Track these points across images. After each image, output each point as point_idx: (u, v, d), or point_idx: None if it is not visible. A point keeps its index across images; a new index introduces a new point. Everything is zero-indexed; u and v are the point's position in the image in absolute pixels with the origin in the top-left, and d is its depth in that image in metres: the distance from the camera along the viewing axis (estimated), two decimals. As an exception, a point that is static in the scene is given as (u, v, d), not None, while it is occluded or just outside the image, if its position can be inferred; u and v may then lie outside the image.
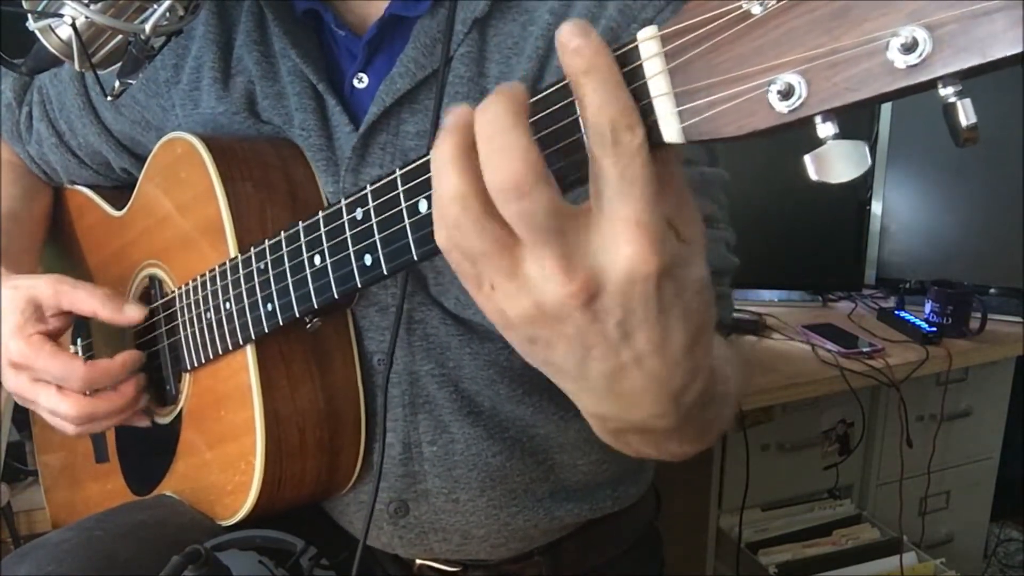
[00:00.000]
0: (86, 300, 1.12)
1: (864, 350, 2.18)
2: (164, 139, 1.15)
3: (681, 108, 0.54)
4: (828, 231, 2.47)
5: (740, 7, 0.50)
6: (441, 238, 0.59)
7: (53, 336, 1.13)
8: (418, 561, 1.22)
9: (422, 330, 1.09)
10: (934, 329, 2.29)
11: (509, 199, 0.54)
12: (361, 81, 1.09)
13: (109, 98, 0.94)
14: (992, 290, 2.53)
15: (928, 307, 2.35)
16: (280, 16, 1.10)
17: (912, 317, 2.37)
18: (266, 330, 1.01)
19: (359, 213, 0.83)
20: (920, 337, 2.27)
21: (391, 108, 1.04)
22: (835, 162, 0.49)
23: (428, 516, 1.15)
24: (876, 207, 2.49)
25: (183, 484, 1.19)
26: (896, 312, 2.43)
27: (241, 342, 1.04)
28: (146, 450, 1.26)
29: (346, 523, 1.22)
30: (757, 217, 2.21)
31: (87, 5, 0.83)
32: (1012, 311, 2.45)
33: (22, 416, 1.55)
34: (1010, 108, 2.26)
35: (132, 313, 1.13)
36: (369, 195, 0.80)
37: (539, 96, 0.61)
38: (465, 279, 0.61)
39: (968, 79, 0.44)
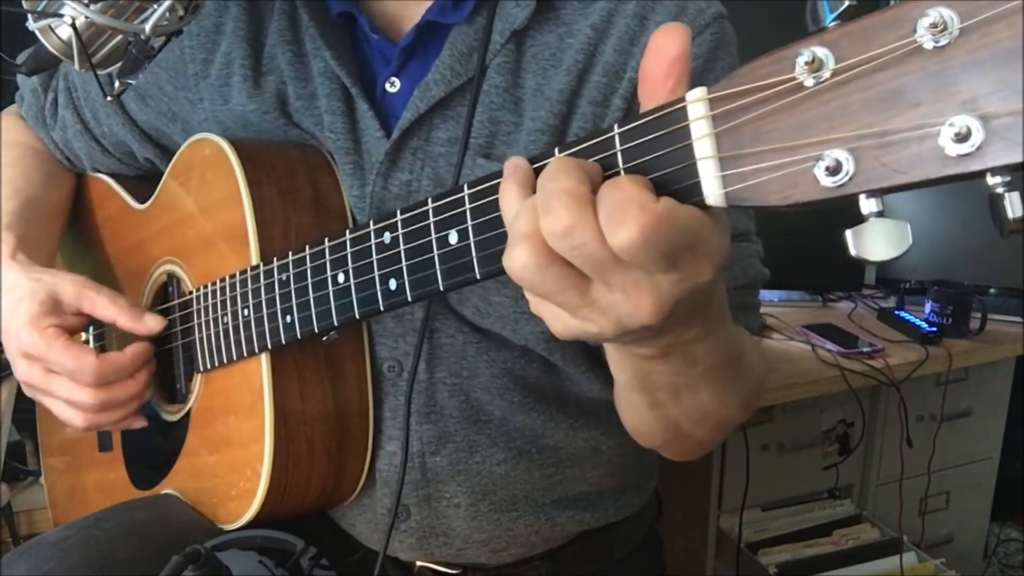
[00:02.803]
0: (108, 307, 1.13)
1: (864, 350, 2.17)
2: (192, 139, 1.15)
3: (725, 173, 0.54)
4: (828, 231, 2.44)
5: (793, 78, 0.50)
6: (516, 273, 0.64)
7: (68, 332, 1.13)
8: (418, 563, 1.21)
9: (438, 338, 1.09)
10: (934, 329, 2.28)
11: (558, 239, 0.58)
12: (393, 85, 1.09)
13: (109, 98, 0.94)
14: (992, 290, 2.53)
15: (928, 307, 2.34)
16: (315, 17, 1.09)
17: (912, 317, 2.36)
18: (283, 341, 1.01)
19: (387, 237, 0.83)
20: (920, 337, 2.26)
21: (424, 115, 1.04)
22: (876, 240, 0.49)
23: (429, 521, 1.15)
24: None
25: (186, 484, 1.20)
26: (896, 312, 2.42)
27: (256, 350, 1.05)
28: (151, 444, 1.26)
29: (347, 525, 1.22)
30: (757, 217, 2.18)
31: (87, 5, 0.83)
32: (1012, 311, 2.44)
33: (22, 416, 1.54)
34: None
35: (151, 323, 1.14)
36: (399, 221, 0.81)
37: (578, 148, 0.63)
38: (536, 309, 0.67)
39: (1018, 172, 0.44)
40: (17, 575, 1.01)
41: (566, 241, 0.58)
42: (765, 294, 2.54)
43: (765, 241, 1.08)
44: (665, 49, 0.59)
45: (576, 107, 1.02)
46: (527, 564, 1.21)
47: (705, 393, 0.84)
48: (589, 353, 1.11)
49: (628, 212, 0.56)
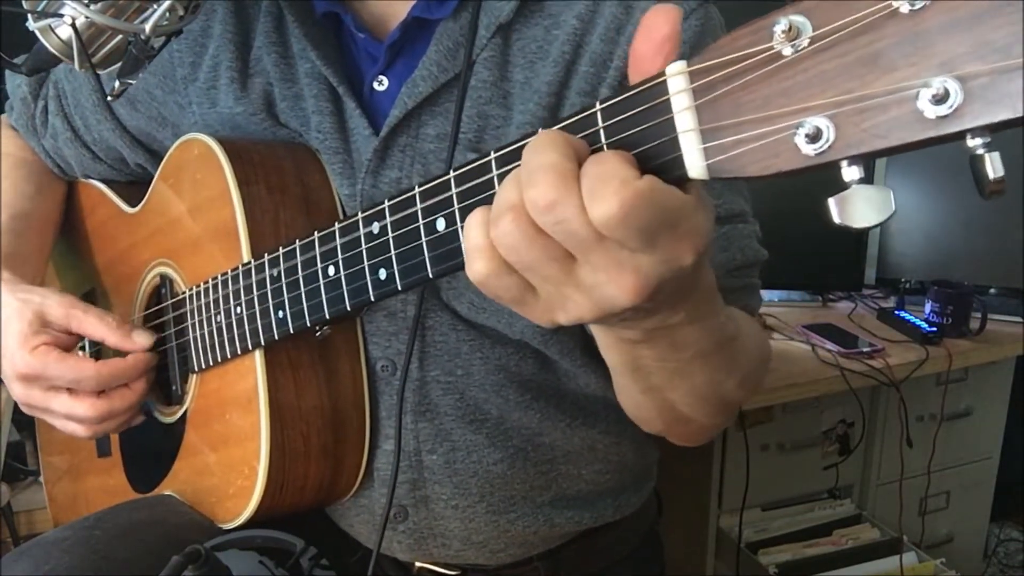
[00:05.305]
0: (96, 326, 1.13)
1: (864, 350, 2.17)
2: (181, 139, 1.15)
3: (707, 145, 0.54)
4: (828, 231, 2.45)
5: (771, 48, 0.50)
6: (483, 263, 0.63)
7: (60, 347, 1.12)
8: (417, 564, 1.21)
9: (431, 336, 1.09)
10: (934, 329, 2.28)
11: (540, 213, 0.58)
12: (381, 84, 1.08)
13: (109, 98, 0.94)
14: (992, 290, 2.54)
15: (928, 307, 2.34)
16: (300, 18, 1.09)
17: (912, 317, 2.36)
18: (276, 337, 1.01)
19: (375, 227, 0.83)
20: (920, 337, 2.26)
21: (412, 111, 1.04)
22: (859, 207, 0.49)
23: (427, 522, 1.15)
24: (877, 206, 2.47)
25: (184, 484, 1.19)
26: (896, 312, 2.42)
27: (250, 347, 1.04)
28: (149, 448, 1.26)
29: (346, 526, 1.22)
30: (757, 217, 2.18)
31: (87, 5, 0.83)
32: (1012, 311, 2.44)
33: (22, 416, 1.53)
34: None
35: (140, 340, 1.13)
36: (387, 210, 0.80)
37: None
38: (508, 296, 0.65)
39: (997, 132, 0.44)
40: (17, 575, 1.01)
41: (549, 216, 0.58)
42: (765, 294, 2.53)
43: (765, 241, 1.07)
44: (656, 28, 0.58)
45: (565, 98, 1.02)
46: (526, 565, 1.21)
47: (699, 378, 0.84)
48: (586, 346, 1.11)
49: (609, 185, 0.55)
